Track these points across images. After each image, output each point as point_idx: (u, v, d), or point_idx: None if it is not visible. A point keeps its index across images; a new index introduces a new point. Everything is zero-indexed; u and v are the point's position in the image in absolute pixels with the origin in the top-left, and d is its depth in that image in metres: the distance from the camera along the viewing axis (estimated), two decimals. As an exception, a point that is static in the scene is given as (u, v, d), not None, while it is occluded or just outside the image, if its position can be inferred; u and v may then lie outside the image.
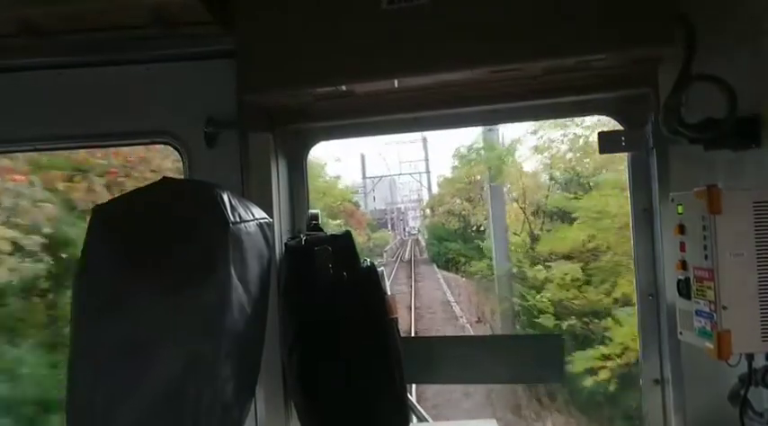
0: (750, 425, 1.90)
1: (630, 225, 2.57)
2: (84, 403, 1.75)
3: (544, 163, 13.57)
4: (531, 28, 2.11)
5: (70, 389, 1.75)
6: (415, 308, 17.22)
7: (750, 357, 1.85)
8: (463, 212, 28.94)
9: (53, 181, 5.20)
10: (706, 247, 1.83)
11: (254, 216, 2.02)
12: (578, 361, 8.41)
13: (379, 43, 2.20)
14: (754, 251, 1.78)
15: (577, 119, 10.31)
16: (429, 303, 18.90)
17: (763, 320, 1.78)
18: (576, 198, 11.12)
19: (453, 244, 26.70)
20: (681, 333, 2.04)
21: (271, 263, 2.18)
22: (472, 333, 13.70)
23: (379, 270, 2.46)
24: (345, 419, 2.37)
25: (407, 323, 13.97)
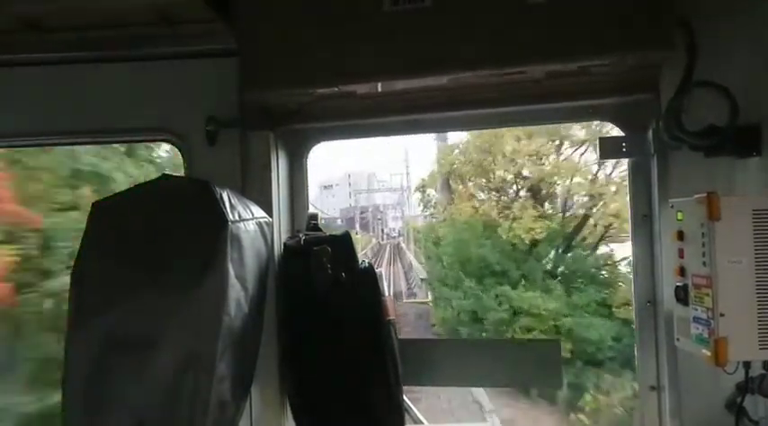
0: None
1: (630, 230, 2.57)
2: (80, 399, 1.75)
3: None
4: (534, 32, 2.11)
5: (66, 385, 1.75)
6: None
7: (747, 364, 1.85)
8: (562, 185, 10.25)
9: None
10: (705, 254, 1.83)
11: (253, 215, 2.02)
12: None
13: (381, 44, 2.19)
14: (752, 258, 1.78)
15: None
16: None
17: (760, 327, 1.77)
18: None
19: (530, 295, 9.63)
20: (678, 340, 2.04)
21: (269, 262, 2.18)
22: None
23: (377, 271, 2.47)
24: (341, 420, 2.37)
25: None
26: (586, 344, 8.66)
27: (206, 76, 2.53)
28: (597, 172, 10.25)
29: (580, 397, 7.75)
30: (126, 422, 1.74)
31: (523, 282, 9.79)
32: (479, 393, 9.76)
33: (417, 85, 2.48)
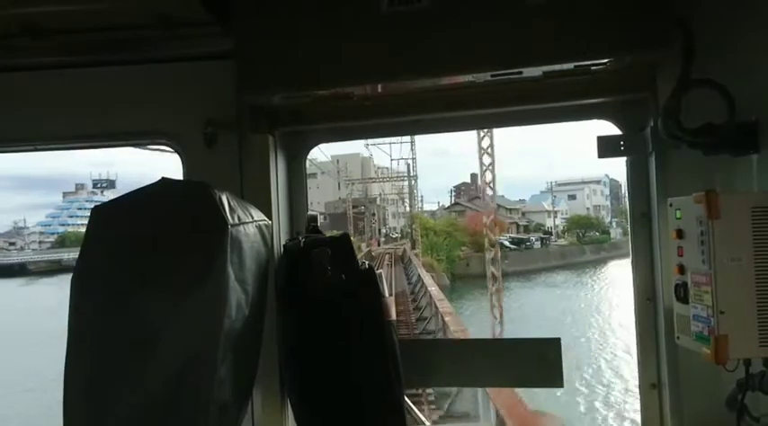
0: None
1: (629, 229, 2.57)
2: (81, 402, 1.75)
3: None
4: (532, 32, 2.11)
5: (67, 388, 1.75)
6: None
7: (747, 362, 1.86)
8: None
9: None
10: (704, 252, 1.83)
11: (252, 217, 2.02)
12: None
13: (379, 46, 2.20)
14: (751, 256, 1.79)
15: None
16: None
17: (760, 325, 1.78)
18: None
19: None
20: (678, 338, 2.04)
21: (269, 265, 2.19)
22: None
23: (377, 272, 2.46)
24: (342, 421, 2.37)
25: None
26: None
27: (204, 79, 2.53)
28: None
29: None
30: (127, 425, 1.74)
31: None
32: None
33: (415, 87, 2.49)
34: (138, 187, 1.91)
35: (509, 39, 2.13)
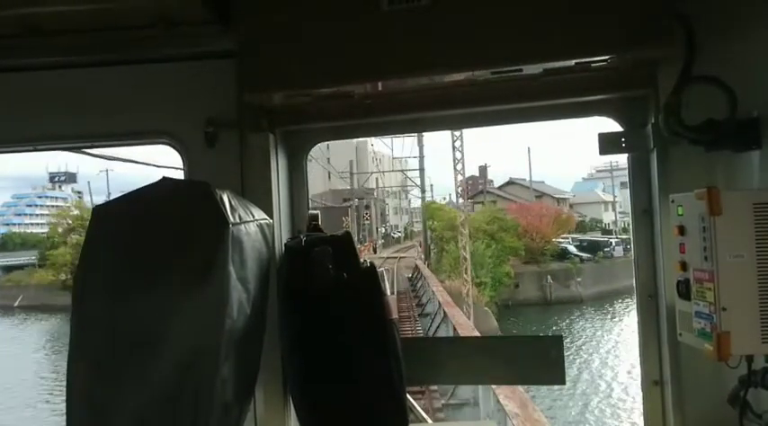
0: None
1: (630, 225, 2.57)
2: (83, 401, 1.75)
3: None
4: (532, 29, 2.11)
5: (70, 386, 1.76)
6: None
7: (750, 358, 1.86)
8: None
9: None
10: (706, 248, 1.83)
11: (253, 216, 2.03)
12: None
13: (379, 44, 2.20)
14: (753, 252, 1.79)
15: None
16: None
17: (762, 322, 1.78)
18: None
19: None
20: (680, 335, 2.04)
21: (270, 264, 2.19)
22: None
23: (378, 270, 2.46)
24: (344, 420, 2.37)
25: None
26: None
27: (205, 78, 2.53)
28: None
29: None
30: (129, 424, 1.75)
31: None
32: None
33: (416, 85, 2.49)
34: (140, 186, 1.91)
35: (509, 36, 2.13)
